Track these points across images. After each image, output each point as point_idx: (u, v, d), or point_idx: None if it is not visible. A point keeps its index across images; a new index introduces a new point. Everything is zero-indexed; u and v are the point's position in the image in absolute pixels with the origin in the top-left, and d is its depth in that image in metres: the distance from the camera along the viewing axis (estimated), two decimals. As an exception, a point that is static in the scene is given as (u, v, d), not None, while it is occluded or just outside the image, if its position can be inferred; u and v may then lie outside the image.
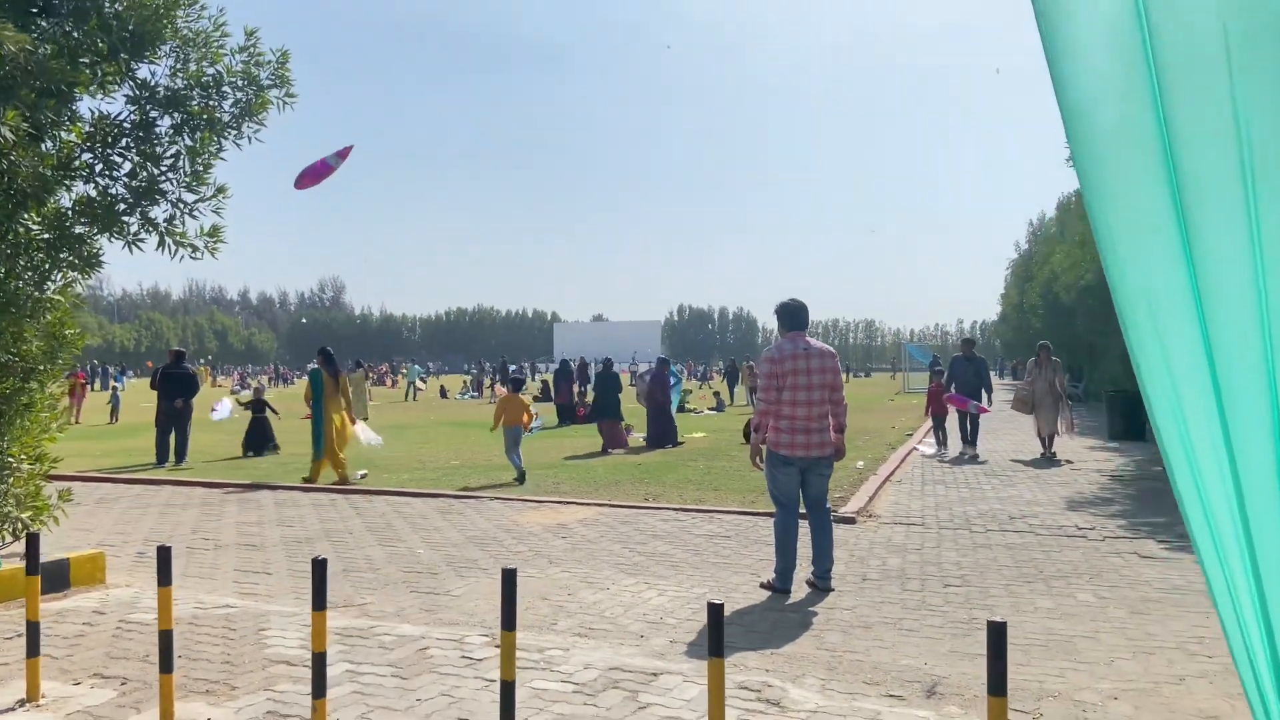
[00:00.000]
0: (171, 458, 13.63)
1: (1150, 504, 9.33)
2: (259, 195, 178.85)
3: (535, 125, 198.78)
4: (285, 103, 6.34)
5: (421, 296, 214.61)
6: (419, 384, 38.86)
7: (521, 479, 11.15)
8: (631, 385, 36.62)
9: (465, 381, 41.56)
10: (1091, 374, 24.90)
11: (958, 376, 14.76)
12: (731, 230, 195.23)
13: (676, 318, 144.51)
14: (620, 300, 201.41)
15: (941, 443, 15.07)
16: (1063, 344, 31.77)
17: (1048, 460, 13.29)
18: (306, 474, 11.61)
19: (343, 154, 10.49)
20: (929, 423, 16.73)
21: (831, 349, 6.00)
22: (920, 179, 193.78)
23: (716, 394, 28.09)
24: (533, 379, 56.40)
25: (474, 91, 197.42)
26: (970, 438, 14.31)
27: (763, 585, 5.91)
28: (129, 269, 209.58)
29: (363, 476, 11.84)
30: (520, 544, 7.39)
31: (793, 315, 5.96)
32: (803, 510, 6.00)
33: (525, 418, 11.86)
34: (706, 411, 25.96)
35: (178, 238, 6.26)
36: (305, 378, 37.76)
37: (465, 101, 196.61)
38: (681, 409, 22.36)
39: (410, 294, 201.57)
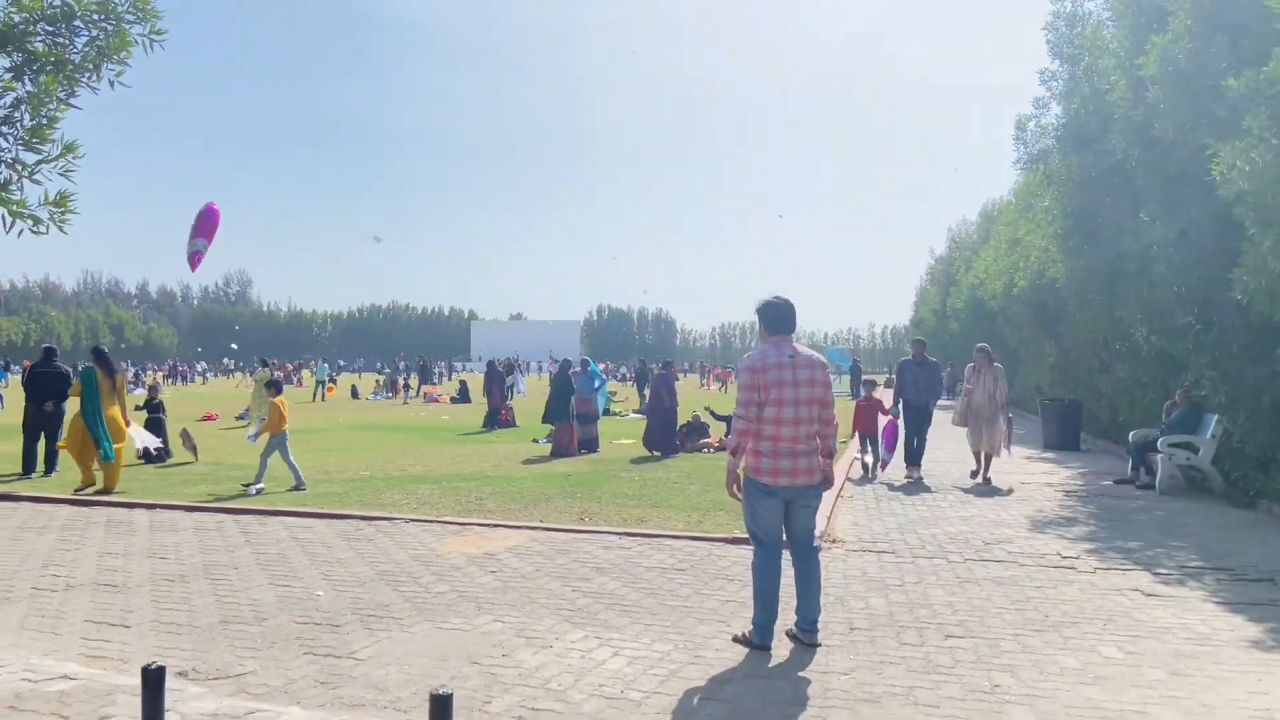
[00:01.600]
0: (41, 467, 12.05)
1: (1119, 526, 8.74)
2: (159, 181, 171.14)
3: (450, 120, 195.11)
4: (152, 40, 5.12)
5: (333, 292, 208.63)
6: (328, 384, 36.98)
7: (300, 486, 10.77)
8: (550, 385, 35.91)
9: (378, 381, 39.71)
10: (1013, 381, 24.85)
11: (908, 384, 12.26)
12: (650, 231, 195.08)
13: (595, 317, 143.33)
14: (539, 299, 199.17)
15: (870, 465, 12.36)
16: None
17: (983, 486, 11.25)
18: (97, 484, 10.71)
19: (208, 231, 9.36)
20: (854, 440, 14.43)
21: (821, 358, 5.09)
22: (832, 183, 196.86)
23: (643, 394, 27.16)
24: (449, 378, 54.76)
25: (387, 83, 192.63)
26: (914, 457, 12.13)
27: (737, 639, 4.97)
28: (18, 259, 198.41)
29: (258, 491, 10.52)
30: (441, 582, 6.29)
31: (777, 317, 5.02)
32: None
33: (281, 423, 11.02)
34: (632, 415, 25.02)
35: (14, 207, 5.00)
36: (201, 377, 35.53)
37: (378, 94, 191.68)
38: (606, 412, 21.40)
39: (322, 290, 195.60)
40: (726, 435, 15.97)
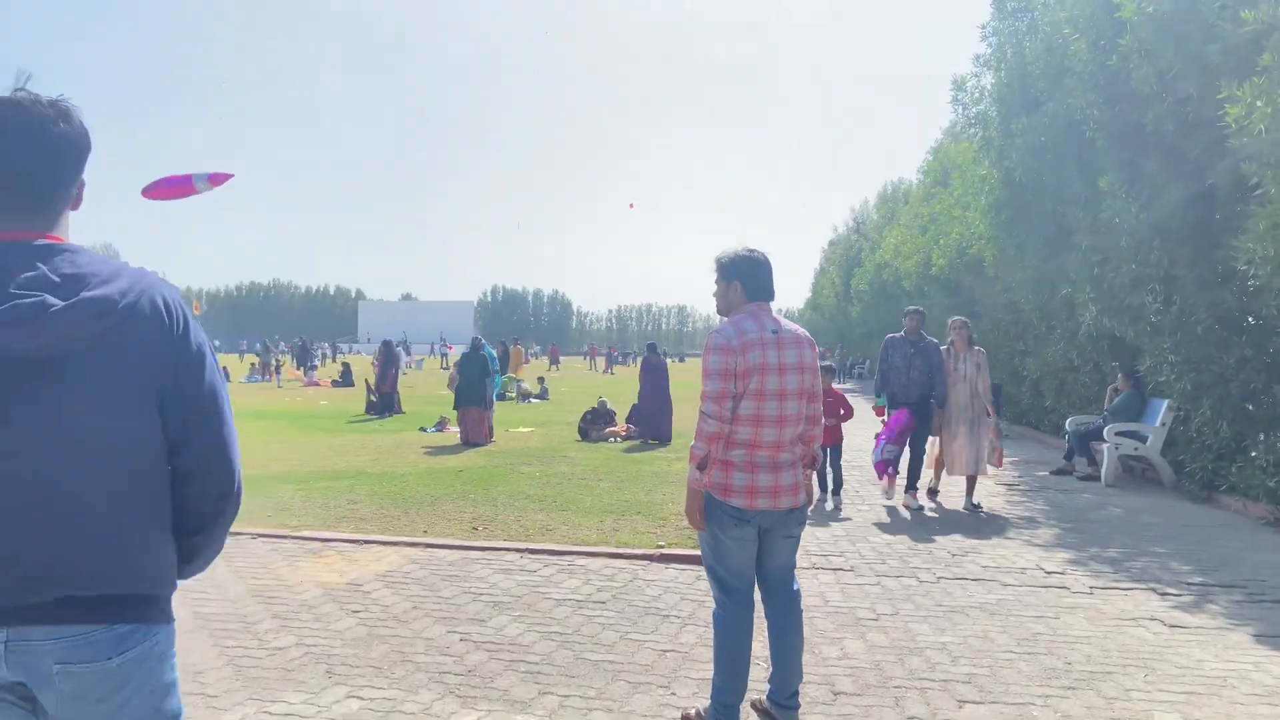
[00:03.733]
0: None
1: (1083, 528, 7.81)
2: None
3: (341, 91, 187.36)
4: None
5: (209, 268, 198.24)
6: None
7: None
8: (444, 370, 33.71)
9: (253, 363, 36.91)
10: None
11: (897, 371, 8.57)
12: (545, 211, 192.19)
13: (490, 299, 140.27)
14: (431, 279, 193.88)
15: (831, 487, 8.82)
16: (884, 330, 31.71)
17: (969, 514, 8.32)
18: None
19: (216, 179, 8.42)
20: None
21: (806, 333, 3.77)
22: (728, 165, 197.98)
23: (541, 379, 25.64)
24: (333, 359, 51.87)
25: (272, 49, 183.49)
26: (910, 477, 8.69)
27: (689, 719, 3.63)
28: None
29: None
30: (284, 631, 4.74)
31: (759, 277, 3.65)
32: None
33: None
34: (533, 400, 23.47)
35: None
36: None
37: (262, 59, 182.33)
38: (501, 397, 19.77)
39: (196, 265, 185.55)
40: (630, 423, 14.70)
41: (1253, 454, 8.26)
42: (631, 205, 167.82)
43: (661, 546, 6.79)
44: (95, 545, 1.54)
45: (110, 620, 1.55)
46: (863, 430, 13.70)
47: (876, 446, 8.74)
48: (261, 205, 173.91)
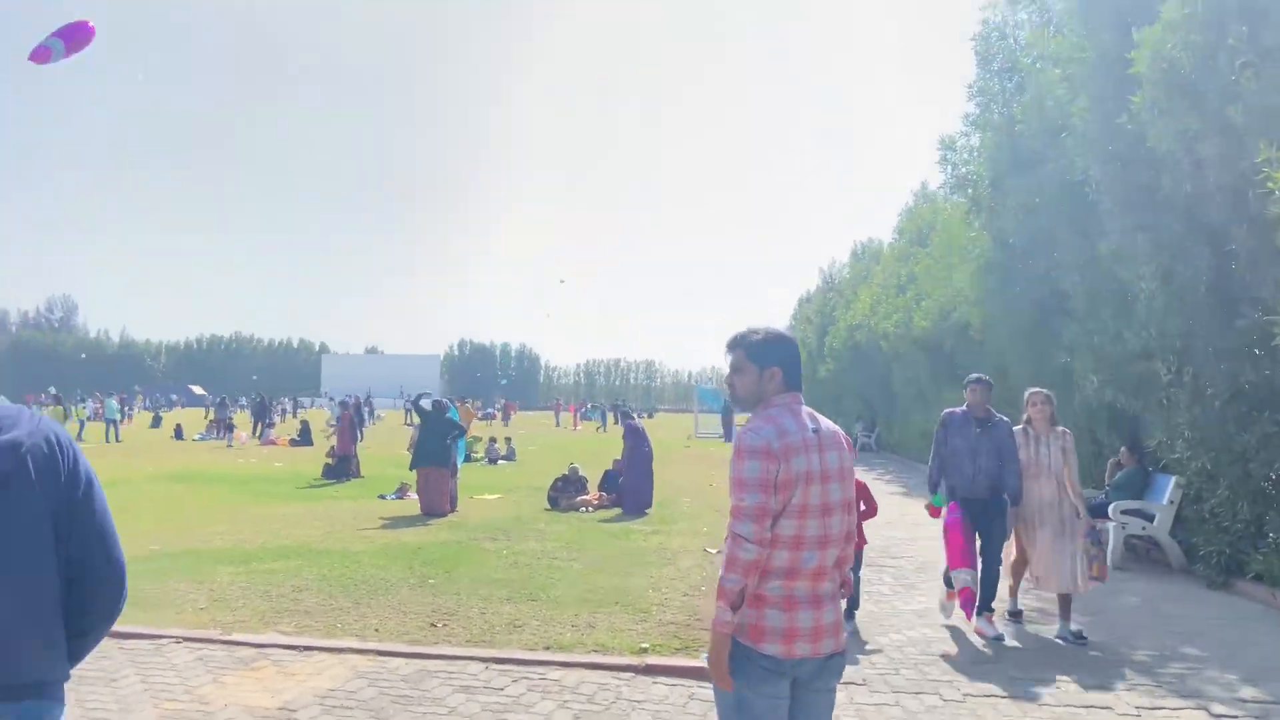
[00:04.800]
0: None
1: (1103, 621, 7.16)
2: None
3: (304, 140, 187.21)
4: None
5: (170, 321, 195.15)
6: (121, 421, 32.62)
7: None
8: (406, 425, 32.59)
9: (209, 420, 35.60)
10: (896, 428, 24.00)
11: (960, 458, 6.70)
12: (512, 263, 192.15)
13: (457, 352, 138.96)
14: (396, 332, 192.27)
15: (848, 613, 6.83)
16: (855, 390, 31.33)
17: (1069, 642, 6.50)
18: None
19: (71, 36, 7.38)
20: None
21: (838, 428, 3.09)
22: (699, 219, 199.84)
23: (509, 439, 24.76)
24: (293, 415, 50.43)
25: (231, 97, 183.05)
26: (985, 595, 6.66)
27: None
28: None
29: None
30: (196, 780, 3.91)
31: (796, 360, 3.00)
32: None
33: None
34: (501, 462, 22.57)
35: None
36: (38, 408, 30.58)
37: (222, 107, 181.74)
38: (467, 459, 18.84)
39: (157, 318, 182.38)
40: (604, 491, 13.92)
41: (1270, 536, 7.72)
42: (562, 280, 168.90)
43: (645, 650, 6.03)
44: (5, 642, 1.83)
45: (16, 699, 1.86)
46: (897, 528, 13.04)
47: (951, 566, 6.67)
48: (222, 256, 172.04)
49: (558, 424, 53.29)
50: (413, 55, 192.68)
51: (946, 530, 6.79)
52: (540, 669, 5.50)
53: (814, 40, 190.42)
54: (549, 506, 13.52)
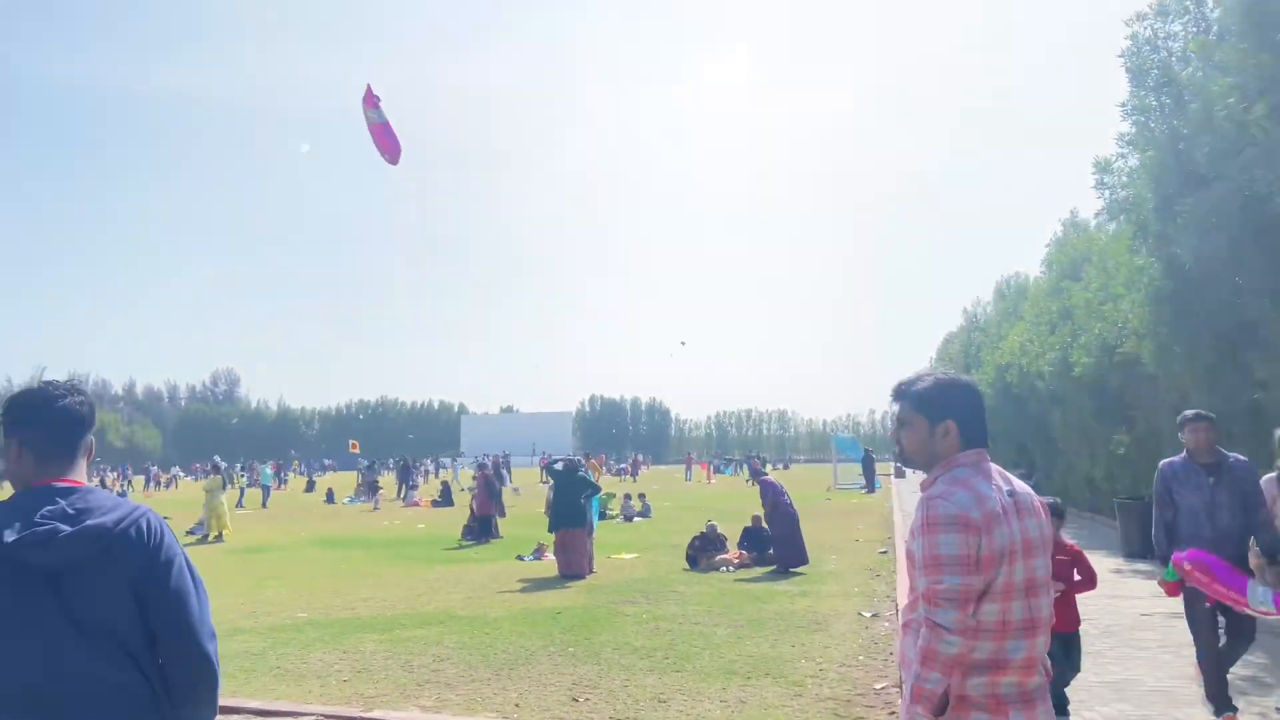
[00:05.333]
0: None
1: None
2: (151, 283, 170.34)
3: (439, 215, 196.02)
4: None
5: (322, 389, 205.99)
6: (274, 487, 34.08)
7: None
8: (542, 483, 32.83)
9: (357, 483, 36.88)
10: (1055, 474, 22.34)
11: (1194, 516, 5.47)
12: (644, 319, 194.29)
13: (588, 409, 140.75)
14: (530, 391, 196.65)
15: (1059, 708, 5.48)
16: (1008, 435, 29.58)
17: None
18: None
19: (369, 99, 8.81)
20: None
21: (1032, 493, 2.61)
22: (828, 267, 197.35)
23: (642, 495, 24.47)
24: (434, 476, 51.79)
25: (371, 182, 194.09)
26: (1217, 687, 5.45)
27: None
28: (3, 361, 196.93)
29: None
30: None
31: (975, 412, 2.54)
32: None
33: None
34: (636, 519, 22.29)
35: None
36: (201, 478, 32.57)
37: (364, 192, 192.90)
38: (602, 516, 18.58)
39: (310, 387, 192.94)
40: (742, 548, 13.37)
41: None
42: (683, 343, 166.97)
43: (805, 732, 5.51)
44: (95, 708, 2.01)
45: None
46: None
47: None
48: (368, 325, 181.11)
49: (688, 478, 52.78)
50: (536, 124, 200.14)
51: (1193, 611, 5.40)
52: (690, 753, 5.07)
53: (943, 73, 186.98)
54: (688, 566, 13.09)
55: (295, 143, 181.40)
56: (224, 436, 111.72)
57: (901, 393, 2.65)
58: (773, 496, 13.09)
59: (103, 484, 49.32)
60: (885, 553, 14.61)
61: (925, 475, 2.56)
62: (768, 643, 8.04)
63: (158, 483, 55.73)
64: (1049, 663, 2.49)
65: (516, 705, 6.15)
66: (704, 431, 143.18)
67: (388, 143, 9.17)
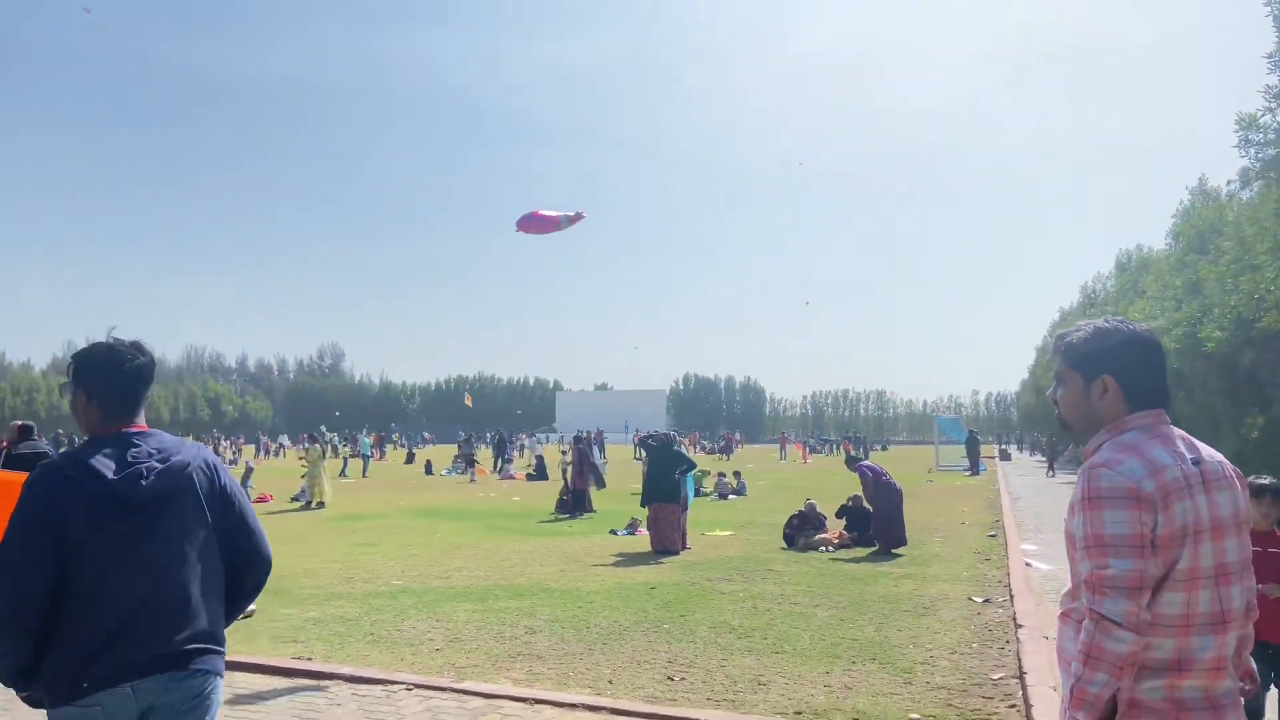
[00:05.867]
0: None
1: None
2: (263, 261, 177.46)
3: (540, 194, 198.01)
4: None
5: (422, 364, 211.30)
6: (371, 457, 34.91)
7: None
8: (636, 460, 32.75)
9: (455, 456, 37.55)
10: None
11: None
12: (737, 297, 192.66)
13: (682, 387, 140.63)
14: (625, 368, 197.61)
15: None
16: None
17: None
18: None
19: (574, 219, 10.09)
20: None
21: (1227, 462, 2.19)
22: (930, 245, 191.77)
23: (737, 473, 24.11)
24: (530, 450, 52.36)
25: (471, 159, 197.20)
26: None
27: None
28: (124, 335, 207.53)
29: (246, 615, 7.96)
30: None
31: (1143, 364, 2.10)
32: None
33: None
34: (731, 496, 21.96)
35: None
36: (302, 447, 33.88)
37: (464, 170, 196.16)
38: (697, 493, 18.26)
39: (411, 362, 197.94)
40: (847, 531, 12.89)
41: None
42: (808, 303, 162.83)
43: (922, 725, 5.13)
44: (190, 617, 2.43)
45: (203, 658, 2.44)
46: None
47: None
48: (468, 302, 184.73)
49: (782, 457, 52.05)
50: (635, 101, 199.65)
51: None
52: (794, 742, 4.75)
53: (1060, 36, 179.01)
54: (785, 545, 12.71)
55: (402, 122, 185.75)
56: (329, 408, 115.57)
57: (1057, 345, 2.26)
58: (873, 477, 12.57)
59: (216, 450, 51.67)
60: (994, 536, 13.94)
61: (1088, 443, 2.16)
62: (872, 626, 7.64)
63: (266, 451, 58.00)
64: (1254, 666, 2.08)
65: (610, 682, 5.93)
66: (799, 411, 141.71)
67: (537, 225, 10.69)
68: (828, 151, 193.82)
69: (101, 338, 2.62)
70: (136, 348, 2.56)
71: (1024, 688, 5.74)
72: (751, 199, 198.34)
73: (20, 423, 10.63)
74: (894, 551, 11.95)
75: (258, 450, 58.76)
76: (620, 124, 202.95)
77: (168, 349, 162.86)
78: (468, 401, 65.27)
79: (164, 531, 2.41)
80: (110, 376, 2.51)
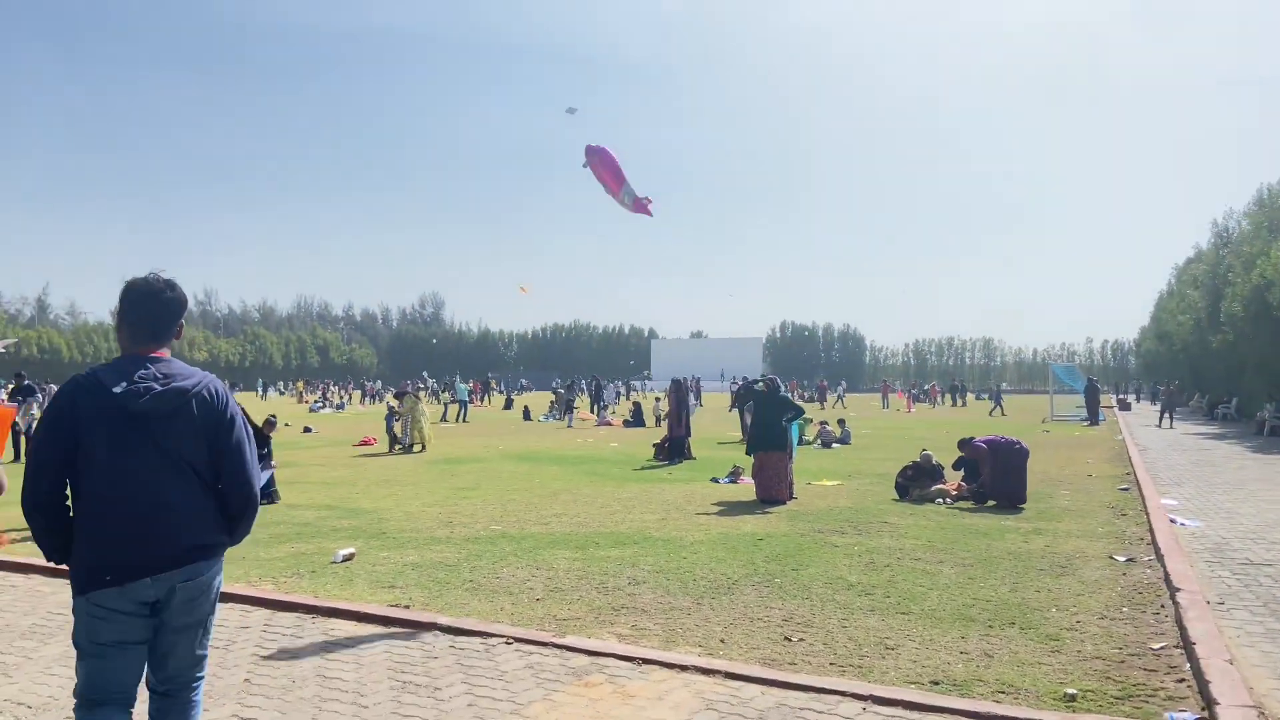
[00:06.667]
0: None
1: None
2: (368, 213, 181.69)
3: (637, 143, 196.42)
4: None
5: (520, 313, 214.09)
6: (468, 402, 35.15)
7: None
8: (731, 409, 31.99)
9: (551, 402, 37.68)
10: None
11: None
12: (834, 245, 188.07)
13: (779, 335, 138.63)
14: (720, 316, 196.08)
15: None
16: (1262, 364, 26.00)
17: None
18: None
19: (639, 204, 9.71)
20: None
21: None
22: (1038, 188, 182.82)
23: (841, 421, 23.27)
24: (625, 398, 52.38)
25: (568, 111, 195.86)
26: None
27: None
28: (240, 286, 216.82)
29: (347, 558, 7.82)
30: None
31: None
32: None
33: None
34: (835, 445, 21.22)
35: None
36: (391, 395, 34.69)
37: (563, 120, 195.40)
38: (801, 441, 17.50)
39: (509, 310, 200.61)
40: (966, 483, 12.09)
41: None
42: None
43: (1073, 698, 4.50)
44: (184, 522, 2.78)
45: (198, 559, 2.82)
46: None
47: None
48: (563, 251, 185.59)
49: (884, 406, 50.62)
50: (727, 47, 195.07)
51: None
52: (938, 718, 4.18)
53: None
54: (897, 497, 12.01)
55: (497, 70, 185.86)
56: (430, 356, 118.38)
57: None
58: (989, 451, 11.53)
59: (324, 395, 53.32)
60: (1127, 490, 12.92)
61: None
62: (1006, 586, 6.97)
63: (371, 396, 59.57)
64: None
65: (722, 641, 5.46)
66: (900, 360, 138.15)
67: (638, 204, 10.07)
68: (932, 91, 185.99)
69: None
70: (169, 284, 2.92)
71: (1193, 660, 5.03)
72: (850, 141, 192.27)
73: (17, 371, 10.75)
74: (1018, 506, 11.14)
75: (363, 396, 60.42)
76: (715, 67, 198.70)
77: (279, 298, 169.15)
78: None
79: (161, 445, 2.75)
80: (137, 305, 2.87)
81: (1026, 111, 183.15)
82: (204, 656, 2.96)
